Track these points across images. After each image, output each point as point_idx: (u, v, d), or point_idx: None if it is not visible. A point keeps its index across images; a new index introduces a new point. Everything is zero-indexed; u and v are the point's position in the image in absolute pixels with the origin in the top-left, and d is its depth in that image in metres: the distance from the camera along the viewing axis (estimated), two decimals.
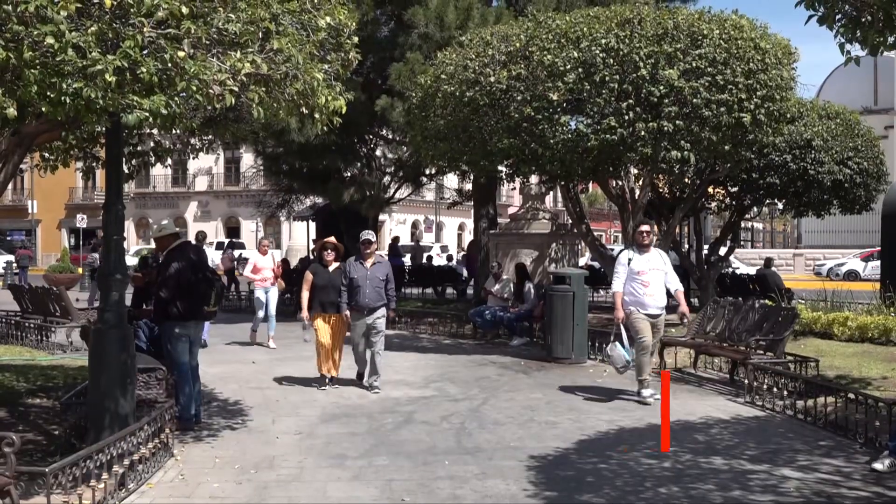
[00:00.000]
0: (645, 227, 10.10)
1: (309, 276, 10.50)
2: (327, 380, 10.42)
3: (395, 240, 30.93)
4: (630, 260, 9.80)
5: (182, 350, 8.25)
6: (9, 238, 56.12)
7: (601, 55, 11.50)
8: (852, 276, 33.28)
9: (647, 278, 9.68)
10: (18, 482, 5.26)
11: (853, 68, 7.79)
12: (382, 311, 10.22)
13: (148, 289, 9.45)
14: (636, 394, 9.79)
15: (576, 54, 11.63)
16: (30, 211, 56.40)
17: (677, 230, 18.69)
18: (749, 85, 11.58)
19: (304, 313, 10.49)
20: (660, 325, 10.03)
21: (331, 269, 10.48)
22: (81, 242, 44.21)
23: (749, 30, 11.91)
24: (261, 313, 14.44)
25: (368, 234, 10.37)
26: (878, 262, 33.70)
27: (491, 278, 15.89)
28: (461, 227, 63.97)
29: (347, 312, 10.12)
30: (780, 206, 19.33)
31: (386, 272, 10.26)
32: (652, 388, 9.70)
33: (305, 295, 10.47)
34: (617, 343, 9.83)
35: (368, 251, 10.23)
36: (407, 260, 28.60)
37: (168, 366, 8.26)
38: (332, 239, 10.90)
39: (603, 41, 11.57)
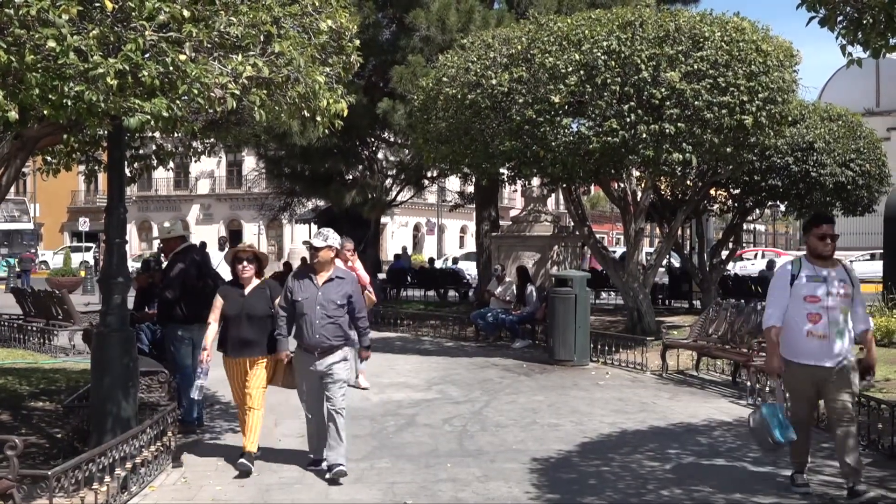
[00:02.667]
0: (825, 227, 6.26)
1: (218, 301, 7.12)
2: (244, 461, 6.84)
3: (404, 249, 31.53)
4: (795, 277, 6.15)
5: (185, 353, 8.26)
6: None
7: (603, 57, 11.50)
8: None
9: (822, 308, 6.07)
10: (21, 485, 5.26)
11: (855, 70, 7.79)
12: (343, 352, 6.81)
13: (151, 291, 9.45)
14: (789, 478, 6.49)
15: (577, 57, 11.63)
16: (32, 214, 56.43)
17: (679, 232, 18.69)
18: (751, 87, 11.56)
19: (205, 353, 6.98)
20: (841, 382, 6.13)
21: (247, 289, 7.07)
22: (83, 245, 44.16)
23: (751, 32, 11.90)
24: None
25: (320, 237, 6.88)
26: (869, 264, 33.92)
27: (494, 280, 15.90)
28: (463, 230, 63.95)
29: (286, 354, 6.92)
30: (782, 208, 19.32)
31: (347, 292, 6.79)
32: (807, 475, 6.46)
33: (211, 329, 7.07)
34: (764, 408, 6.30)
35: (315, 260, 6.78)
36: None
37: (170, 369, 8.26)
38: (249, 245, 7.62)
39: (604, 43, 11.57)
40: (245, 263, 7.10)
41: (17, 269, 31.29)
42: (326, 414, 6.76)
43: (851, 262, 34.96)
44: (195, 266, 8.34)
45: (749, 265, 35.70)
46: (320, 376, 6.74)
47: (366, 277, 10.54)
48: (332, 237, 6.85)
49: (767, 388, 6.65)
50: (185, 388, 8.14)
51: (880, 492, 6.28)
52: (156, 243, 11.40)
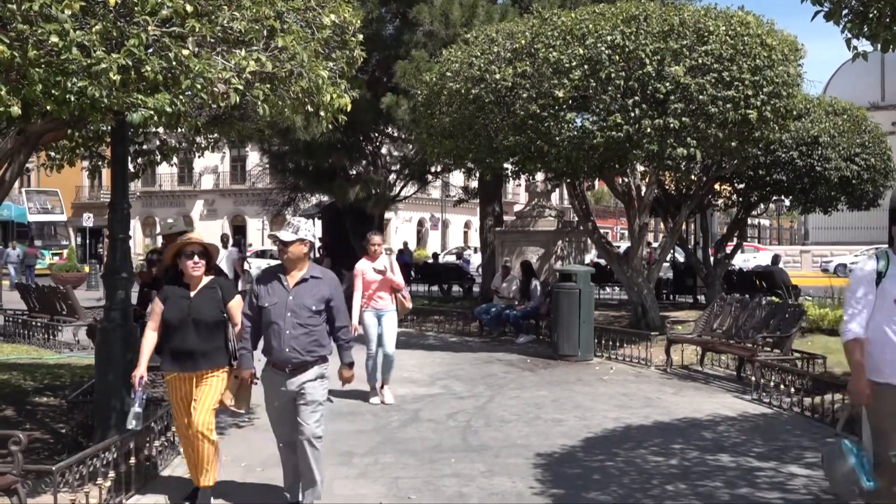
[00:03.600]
0: None
1: (157, 305, 5.83)
2: None
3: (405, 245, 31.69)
4: (882, 275, 4.78)
5: None
6: None
7: (607, 52, 11.47)
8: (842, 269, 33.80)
9: None
10: (26, 480, 5.27)
11: (860, 64, 7.75)
12: (319, 369, 5.63)
13: (154, 286, 9.43)
14: None
15: (581, 51, 11.60)
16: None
17: (684, 227, 18.65)
18: (755, 81, 11.53)
19: (139, 370, 5.66)
20: None
21: (195, 290, 5.80)
22: (88, 241, 44.24)
23: (755, 26, 11.86)
24: (373, 347, 9.66)
25: (289, 228, 5.65)
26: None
27: (498, 276, 15.88)
28: (467, 225, 63.95)
29: (250, 373, 5.73)
30: (787, 202, 19.31)
31: (324, 295, 5.61)
32: None
33: (148, 341, 5.78)
34: (845, 444, 4.87)
35: (284, 257, 5.62)
36: None
37: None
38: (196, 236, 6.07)
39: (609, 38, 11.54)
40: (196, 258, 5.79)
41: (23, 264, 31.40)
42: (299, 444, 5.59)
43: (857, 256, 35.10)
44: None
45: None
46: (292, 398, 5.57)
47: (401, 280, 9.71)
48: (305, 228, 5.66)
49: (842, 420, 5.14)
50: None
51: None
52: (159, 239, 11.40)
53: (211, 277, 5.90)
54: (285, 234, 5.57)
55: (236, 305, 5.84)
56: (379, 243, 9.62)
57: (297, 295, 5.54)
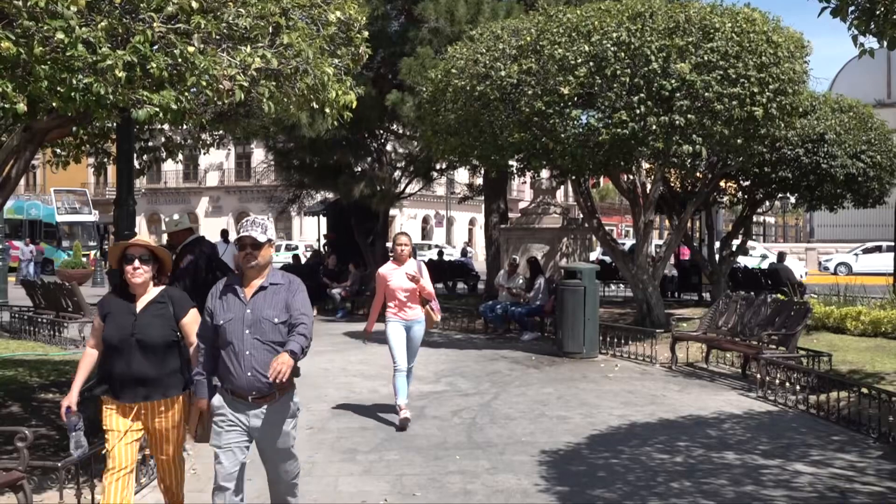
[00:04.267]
0: None
1: (97, 321, 4.96)
2: None
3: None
4: None
5: None
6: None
7: (612, 49, 11.45)
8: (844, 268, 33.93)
9: None
10: (31, 476, 5.29)
11: (866, 61, 7.74)
12: (289, 401, 4.76)
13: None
14: None
15: (587, 48, 11.58)
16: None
17: (689, 224, 18.63)
18: (761, 78, 11.51)
19: (70, 397, 4.79)
20: None
21: (140, 302, 4.87)
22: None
23: (761, 23, 11.84)
24: (402, 362, 8.29)
25: (257, 228, 4.64)
26: (870, 256, 34.13)
27: (503, 273, 15.88)
28: (472, 222, 63.96)
29: (207, 403, 4.72)
30: (793, 200, 19.28)
31: (286, 301, 4.63)
32: None
33: (85, 363, 4.94)
34: None
35: (253, 263, 4.63)
36: None
37: None
38: (142, 238, 5.01)
39: (614, 35, 11.52)
40: (137, 263, 4.78)
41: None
42: (270, 491, 4.91)
43: (857, 254, 35.12)
44: (204, 258, 8.35)
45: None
46: (259, 435, 4.68)
47: (431, 289, 8.46)
48: (272, 229, 4.80)
49: None
50: None
51: (892, 485, 6.25)
52: (164, 236, 11.43)
53: (161, 289, 4.92)
54: (256, 232, 4.58)
55: (191, 322, 4.86)
56: (406, 244, 8.36)
57: (255, 307, 4.56)
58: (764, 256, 30.62)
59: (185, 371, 4.87)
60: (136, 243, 4.87)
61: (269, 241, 4.63)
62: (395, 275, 8.27)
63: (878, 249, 34.75)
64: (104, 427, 4.73)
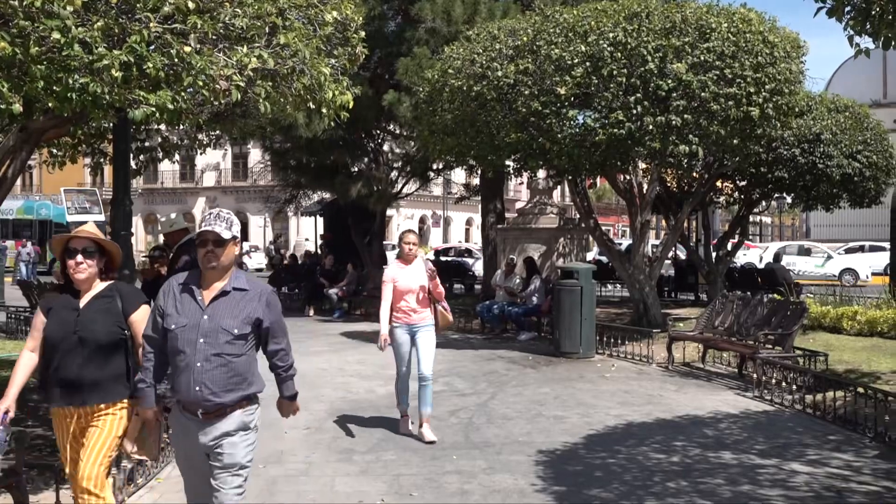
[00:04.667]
0: None
1: (38, 317, 4.59)
2: None
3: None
4: None
5: None
6: None
7: (609, 49, 11.46)
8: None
9: None
10: (28, 476, 5.28)
11: (862, 61, 7.75)
12: (243, 415, 4.10)
13: (157, 282, 9.42)
14: None
15: (583, 48, 11.59)
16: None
17: (685, 224, 18.65)
18: (757, 79, 11.52)
19: (6, 402, 4.54)
20: None
21: (84, 298, 4.51)
22: None
23: (757, 23, 11.86)
24: (403, 367, 7.94)
25: (221, 223, 4.06)
26: (852, 256, 34.38)
27: (500, 273, 15.89)
28: (469, 222, 63.96)
29: (153, 412, 4.29)
30: (789, 200, 19.31)
31: (251, 315, 4.06)
32: None
33: (23, 364, 4.64)
34: None
35: (214, 263, 4.04)
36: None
37: None
38: (89, 228, 4.55)
39: (611, 35, 11.53)
40: (80, 258, 4.41)
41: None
42: None
43: (839, 254, 35.17)
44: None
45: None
46: (205, 453, 4.06)
47: (441, 287, 7.95)
48: (238, 224, 4.14)
49: None
50: None
51: (888, 484, 6.26)
52: (160, 237, 11.38)
53: (108, 283, 4.51)
54: (220, 227, 4.00)
55: (142, 319, 4.39)
56: (415, 242, 7.83)
57: (213, 314, 3.97)
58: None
59: (130, 375, 4.43)
60: (79, 234, 4.45)
61: (234, 238, 4.04)
62: (402, 275, 7.70)
63: (861, 249, 35.02)
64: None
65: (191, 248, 8.31)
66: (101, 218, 40.32)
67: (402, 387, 7.92)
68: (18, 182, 10.88)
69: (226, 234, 3.99)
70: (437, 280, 7.79)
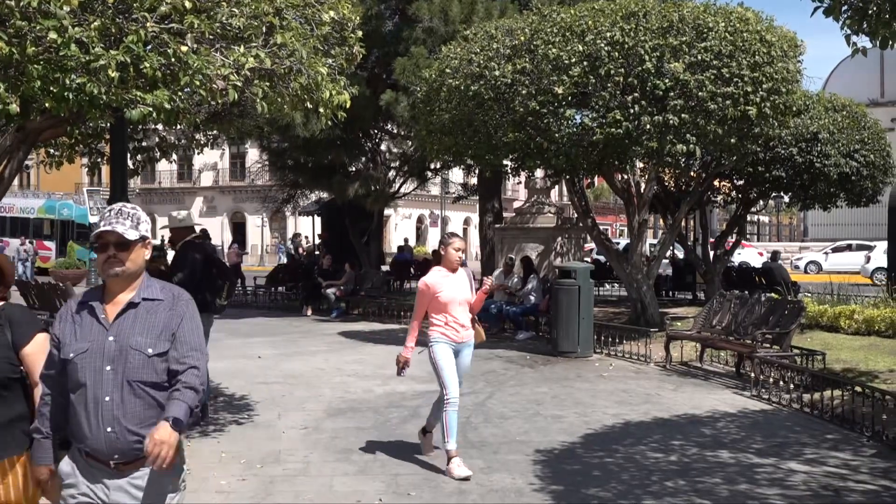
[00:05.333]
0: None
1: None
2: None
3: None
4: None
5: None
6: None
7: (606, 48, 11.46)
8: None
9: None
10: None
11: (860, 60, 7.76)
12: (166, 473, 3.11)
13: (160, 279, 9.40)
14: None
15: (581, 48, 11.59)
16: None
17: (683, 224, 18.66)
18: (755, 78, 11.53)
19: None
20: None
21: None
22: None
23: (755, 22, 11.87)
24: (454, 392, 6.64)
25: (124, 220, 3.20)
26: (840, 255, 34.51)
27: (500, 272, 15.89)
28: (466, 222, 63.94)
29: (48, 469, 3.29)
30: (787, 199, 19.33)
31: (168, 325, 3.17)
32: None
33: None
34: None
35: (117, 270, 3.17)
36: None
37: None
38: None
39: (608, 34, 11.53)
40: None
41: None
42: None
43: (826, 253, 35.23)
44: (205, 256, 8.45)
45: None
46: None
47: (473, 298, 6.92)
48: (145, 221, 3.31)
49: None
50: None
51: (885, 483, 6.27)
52: (163, 232, 11.31)
53: (4, 303, 3.63)
54: (123, 227, 3.19)
55: (37, 352, 3.52)
56: (463, 249, 6.78)
57: (120, 332, 3.14)
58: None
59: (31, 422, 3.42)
60: None
61: (144, 238, 3.24)
62: (447, 285, 6.64)
63: (849, 248, 35.20)
64: None
65: (196, 246, 8.35)
66: None
67: (453, 417, 6.59)
68: (16, 182, 10.87)
69: (131, 235, 3.18)
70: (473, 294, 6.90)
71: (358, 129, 19.97)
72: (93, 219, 36.69)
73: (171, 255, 9.83)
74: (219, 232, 50.12)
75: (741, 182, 17.44)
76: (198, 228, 9.00)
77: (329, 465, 6.89)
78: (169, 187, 58.50)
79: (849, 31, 6.74)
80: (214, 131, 9.19)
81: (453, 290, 6.64)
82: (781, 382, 9.22)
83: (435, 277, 6.67)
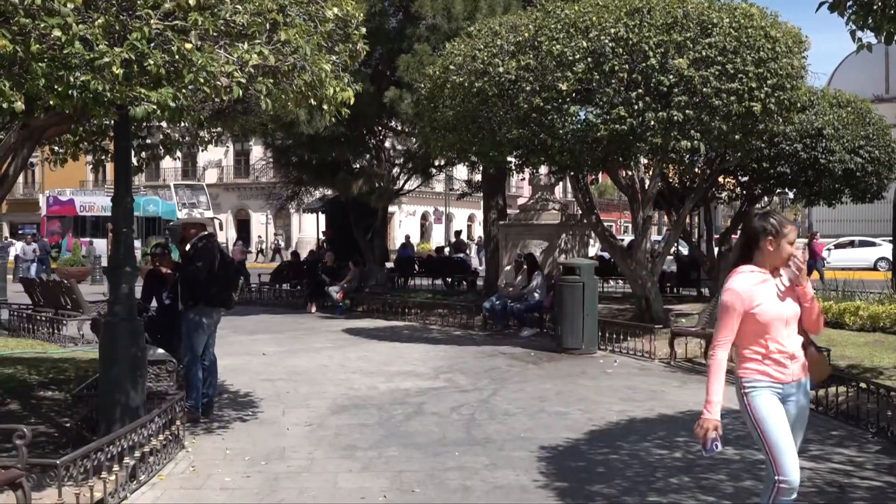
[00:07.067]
0: None
1: None
2: None
3: (458, 234, 32.10)
4: None
5: (200, 340, 8.29)
6: (20, 231, 56.27)
7: (610, 44, 11.44)
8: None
9: None
10: (30, 474, 5.29)
11: (865, 56, 7.73)
12: None
13: (160, 279, 9.42)
14: None
15: (585, 44, 11.57)
16: (40, 204, 56.50)
17: (687, 220, 18.63)
18: (759, 74, 11.50)
19: None
20: None
21: None
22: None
23: (759, 18, 11.83)
24: (787, 469, 4.49)
25: None
26: (843, 251, 34.40)
27: (511, 270, 15.88)
28: (471, 219, 63.93)
29: None
30: (791, 195, 19.26)
31: None
32: None
33: None
34: None
35: None
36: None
37: (178, 356, 8.33)
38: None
39: (612, 30, 11.51)
40: None
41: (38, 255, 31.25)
42: None
43: (829, 249, 35.17)
44: (219, 252, 8.55)
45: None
46: None
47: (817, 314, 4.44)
48: None
49: None
50: (193, 375, 8.19)
51: (890, 479, 6.26)
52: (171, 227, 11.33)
53: None
54: None
55: None
56: (794, 242, 4.35)
57: None
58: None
59: None
60: None
61: None
62: (767, 295, 4.28)
63: (852, 244, 35.12)
64: None
65: (209, 242, 8.43)
66: (210, 213, 38.81)
67: None
68: (21, 179, 10.88)
69: None
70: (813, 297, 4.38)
71: (362, 126, 19.97)
72: (181, 214, 35.48)
73: (173, 255, 9.89)
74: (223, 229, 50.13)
75: (745, 178, 17.39)
76: (216, 222, 9.16)
77: (333, 462, 6.89)
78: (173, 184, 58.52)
79: (854, 27, 6.72)
80: (218, 128, 9.18)
81: (776, 305, 4.27)
82: None
83: (745, 282, 4.29)
